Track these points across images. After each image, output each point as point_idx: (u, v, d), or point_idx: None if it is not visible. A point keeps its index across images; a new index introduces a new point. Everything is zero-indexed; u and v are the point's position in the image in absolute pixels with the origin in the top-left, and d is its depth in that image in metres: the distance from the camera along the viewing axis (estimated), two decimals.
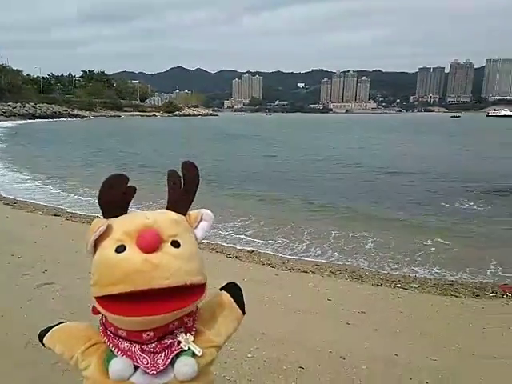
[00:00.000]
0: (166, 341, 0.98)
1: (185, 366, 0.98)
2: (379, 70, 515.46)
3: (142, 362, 0.96)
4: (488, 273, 6.61)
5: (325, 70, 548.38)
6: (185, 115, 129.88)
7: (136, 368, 0.97)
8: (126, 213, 1.02)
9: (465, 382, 3.27)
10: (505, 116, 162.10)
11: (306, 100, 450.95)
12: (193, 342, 1.01)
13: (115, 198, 1.00)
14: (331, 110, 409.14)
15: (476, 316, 4.77)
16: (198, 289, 0.97)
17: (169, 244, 0.96)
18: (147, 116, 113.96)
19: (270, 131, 53.25)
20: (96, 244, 0.98)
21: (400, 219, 9.69)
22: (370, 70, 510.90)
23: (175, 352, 0.98)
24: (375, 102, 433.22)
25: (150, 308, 0.90)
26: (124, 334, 0.97)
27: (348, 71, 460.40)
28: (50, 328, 1.18)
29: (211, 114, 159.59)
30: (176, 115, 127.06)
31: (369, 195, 12.56)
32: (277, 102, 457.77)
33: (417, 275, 6.29)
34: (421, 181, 15.48)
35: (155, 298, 0.90)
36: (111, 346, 0.99)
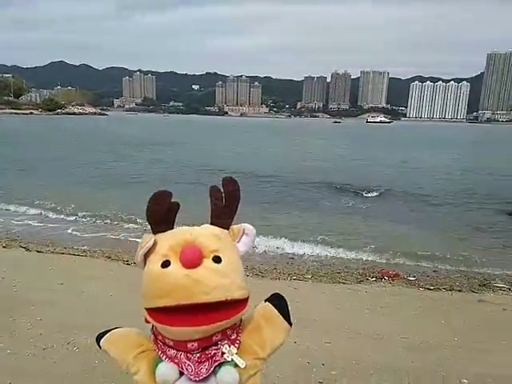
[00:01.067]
0: (209, 351, 1.03)
1: (226, 375, 1.02)
2: (270, 77, 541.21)
3: (186, 368, 1.02)
4: (369, 259, 7.50)
5: (218, 73, 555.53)
6: (69, 114, 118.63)
7: (181, 374, 1.03)
8: (172, 227, 1.07)
9: (354, 358, 3.68)
10: (380, 122, 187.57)
11: (201, 102, 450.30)
12: (236, 354, 1.04)
13: (160, 213, 1.05)
14: (226, 112, 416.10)
15: (360, 299, 5.38)
16: (240, 303, 1.01)
17: (210, 259, 1.00)
18: (23, 114, 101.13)
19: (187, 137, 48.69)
20: (145, 258, 1.05)
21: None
22: (262, 76, 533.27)
23: (218, 362, 1.03)
24: (267, 106, 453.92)
25: (192, 320, 0.95)
26: (171, 343, 1.03)
27: (241, 76, 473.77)
28: (106, 332, 1.24)
29: (100, 113, 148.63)
30: (58, 113, 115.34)
31: None
32: (172, 103, 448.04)
33: (309, 267, 6.84)
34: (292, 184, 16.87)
35: (198, 310, 0.96)
36: (159, 352, 1.06)
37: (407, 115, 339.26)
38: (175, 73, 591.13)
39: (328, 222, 10.33)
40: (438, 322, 4.68)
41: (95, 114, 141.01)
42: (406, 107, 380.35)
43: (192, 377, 1.01)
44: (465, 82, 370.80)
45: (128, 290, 3.75)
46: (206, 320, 0.96)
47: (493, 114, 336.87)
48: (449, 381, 3.37)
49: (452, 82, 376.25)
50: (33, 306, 4.34)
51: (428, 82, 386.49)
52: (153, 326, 1.07)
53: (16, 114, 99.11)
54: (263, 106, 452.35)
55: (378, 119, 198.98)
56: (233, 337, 1.06)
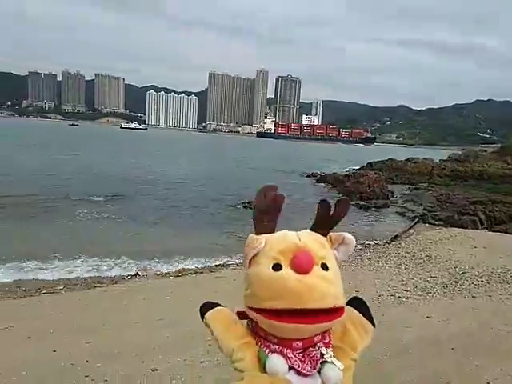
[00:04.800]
0: (310, 352, 1.08)
1: (332, 371, 1.06)
2: None
3: (293, 363, 1.05)
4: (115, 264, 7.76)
5: None
6: None
7: (289, 369, 1.05)
8: (276, 218, 1.13)
9: (116, 351, 3.88)
10: (135, 128, 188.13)
11: None
12: (333, 356, 1.08)
13: (267, 203, 1.11)
14: None
15: (118, 297, 5.58)
16: (340, 309, 1.07)
17: (319, 266, 1.05)
18: None
19: None
20: (251, 258, 1.08)
21: None
22: None
23: (320, 360, 1.07)
24: None
25: (302, 320, 1.01)
26: (274, 341, 1.06)
27: None
28: (211, 304, 1.24)
29: None
30: None
31: None
32: None
33: (61, 278, 6.43)
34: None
35: (307, 314, 1.01)
36: (263, 346, 1.08)
37: (146, 122, 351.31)
38: None
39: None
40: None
41: None
42: (145, 114, 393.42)
43: (305, 371, 1.05)
44: (193, 96, 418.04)
45: None
46: (313, 320, 1.02)
47: (217, 125, 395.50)
48: None
49: (183, 95, 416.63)
50: None
51: (162, 92, 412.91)
52: (252, 322, 1.12)
53: None
54: None
55: (133, 126, 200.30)
56: (326, 340, 1.11)
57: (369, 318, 1.23)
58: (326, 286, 1.04)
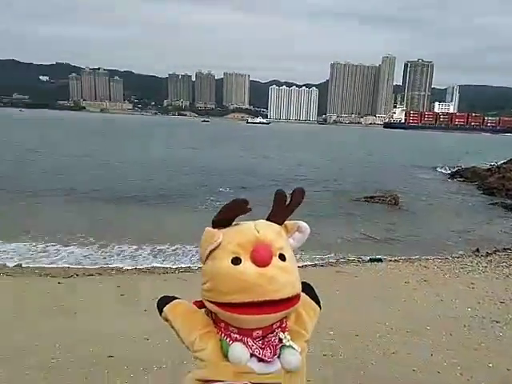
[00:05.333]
0: (269, 338, 1.11)
1: (292, 356, 1.11)
2: (130, 71, 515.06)
3: (254, 351, 1.09)
4: None
5: (71, 64, 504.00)
6: None
7: (251, 356, 1.08)
8: (231, 224, 1.11)
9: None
10: (260, 123, 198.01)
11: (52, 95, 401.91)
12: (291, 339, 1.13)
13: (231, 219, 1.10)
14: (84, 108, 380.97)
15: None
16: (298, 296, 1.12)
17: (277, 257, 1.07)
18: None
19: None
20: (209, 253, 1.09)
21: None
22: (121, 70, 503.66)
23: (279, 346, 1.11)
24: (130, 102, 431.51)
25: (260, 310, 1.03)
26: (235, 330, 1.09)
27: (98, 69, 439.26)
28: (169, 299, 1.25)
29: None
30: None
31: None
32: (15, 96, 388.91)
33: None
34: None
35: (266, 304, 1.04)
36: (224, 335, 1.10)
37: (268, 116, 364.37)
38: (18, 61, 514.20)
39: None
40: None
41: None
42: (267, 108, 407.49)
43: (265, 358, 1.09)
44: (314, 88, 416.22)
45: None
46: (274, 310, 1.05)
47: (338, 116, 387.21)
48: (318, 334, 4.08)
49: (304, 87, 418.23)
50: None
51: (284, 86, 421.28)
52: (211, 312, 1.14)
53: None
54: (126, 102, 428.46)
55: (258, 120, 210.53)
56: (284, 325, 1.15)
57: (316, 300, 1.29)
58: (285, 277, 1.05)
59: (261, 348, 1.10)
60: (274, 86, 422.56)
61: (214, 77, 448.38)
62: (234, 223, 1.13)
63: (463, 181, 21.42)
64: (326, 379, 3.31)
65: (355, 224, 11.26)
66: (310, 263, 7.52)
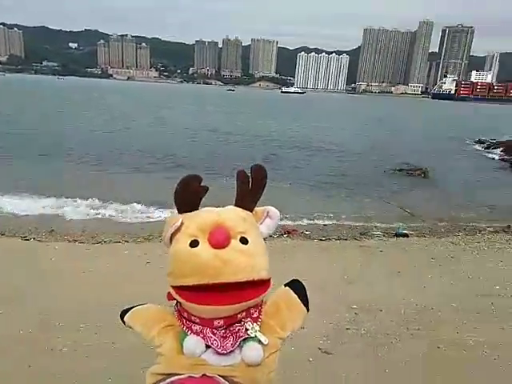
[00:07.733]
0: (234, 328, 1.07)
1: (252, 350, 1.06)
2: (158, 38, 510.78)
3: (212, 343, 1.06)
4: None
5: (100, 31, 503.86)
6: None
7: (207, 348, 1.07)
8: (197, 208, 1.09)
9: None
10: (295, 92, 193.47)
11: (80, 62, 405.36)
12: (259, 331, 1.08)
13: (189, 196, 1.07)
14: (111, 75, 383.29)
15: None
16: (264, 283, 1.05)
17: (237, 241, 1.04)
18: None
19: None
20: (171, 237, 1.08)
21: None
22: (149, 36, 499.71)
23: (243, 337, 1.07)
24: (157, 70, 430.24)
25: (218, 299, 0.99)
26: (197, 320, 1.07)
27: (126, 35, 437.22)
28: (129, 308, 1.28)
29: None
30: None
31: None
32: (45, 63, 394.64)
33: None
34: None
35: (225, 290, 0.99)
36: (184, 328, 1.09)
37: (294, 85, 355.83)
38: (47, 28, 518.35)
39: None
40: (329, 263, 5.52)
41: None
42: (294, 77, 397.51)
43: (220, 350, 1.05)
44: (344, 55, 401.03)
45: None
46: (233, 299, 1.00)
47: (368, 85, 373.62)
48: (341, 308, 4.10)
49: (334, 54, 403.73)
50: None
51: (313, 53, 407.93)
52: (177, 302, 1.12)
53: None
54: (152, 69, 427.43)
55: (292, 90, 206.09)
56: (255, 315, 1.10)
57: (304, 301, 1.22)
58: (244, 260, 1.01)
59: (222, 338, 1.06)
60: (303, 52, 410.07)
61: (242, 43, 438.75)
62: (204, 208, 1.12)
63: (500, 156, 20.52)
64: (348, 354, 3.32)
65: (384, 196, 11.08)
66: (334, 237, 7.46)
